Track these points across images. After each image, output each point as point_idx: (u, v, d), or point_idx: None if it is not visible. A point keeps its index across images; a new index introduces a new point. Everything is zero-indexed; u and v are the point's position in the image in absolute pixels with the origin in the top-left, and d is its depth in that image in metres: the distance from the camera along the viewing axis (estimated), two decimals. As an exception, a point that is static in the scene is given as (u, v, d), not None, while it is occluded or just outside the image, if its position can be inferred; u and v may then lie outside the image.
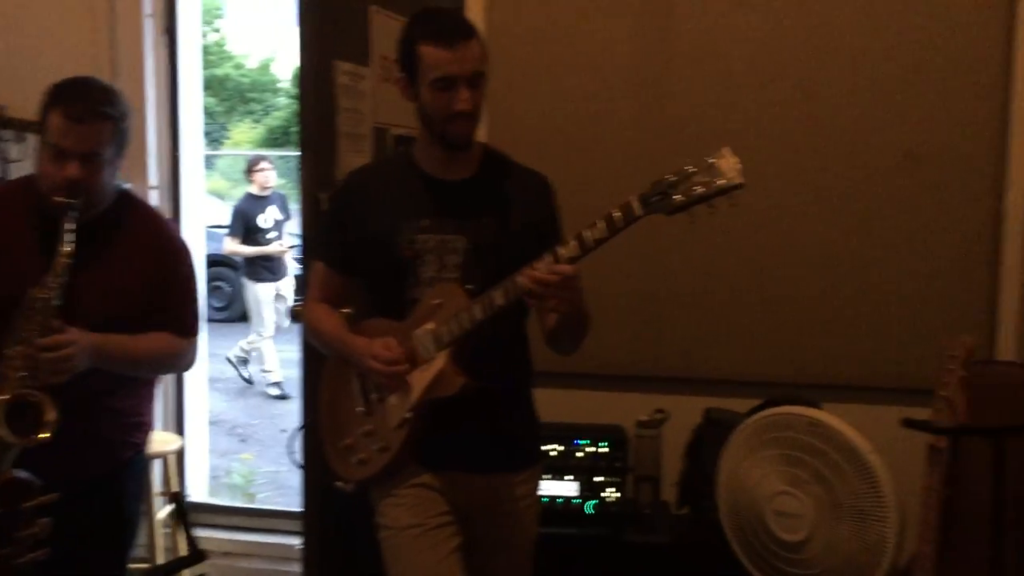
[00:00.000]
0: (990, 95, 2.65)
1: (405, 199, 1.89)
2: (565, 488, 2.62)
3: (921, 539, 1.86)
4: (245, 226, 6.32)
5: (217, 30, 16.28)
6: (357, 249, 1.92)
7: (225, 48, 16.74)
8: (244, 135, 16.39)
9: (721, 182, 1.58)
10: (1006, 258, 2.69)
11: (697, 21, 2.80)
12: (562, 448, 2.62)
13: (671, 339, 2.88)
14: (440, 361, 1.82)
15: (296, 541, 2.71)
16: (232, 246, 6.39)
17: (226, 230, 6.53)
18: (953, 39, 2.65)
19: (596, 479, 2.61)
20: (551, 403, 2.27)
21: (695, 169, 1.60)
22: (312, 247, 2.32)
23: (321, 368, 2.05)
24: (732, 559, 2.39)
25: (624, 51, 2.87)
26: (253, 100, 16.61)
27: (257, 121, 16.49)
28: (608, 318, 2.82)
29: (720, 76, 2.80)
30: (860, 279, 2.76)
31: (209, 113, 16.40)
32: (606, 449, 2.62)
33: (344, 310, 2.04)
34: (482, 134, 2.90)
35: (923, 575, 1.86)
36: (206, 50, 16.82)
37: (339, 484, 1.97)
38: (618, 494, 2.62)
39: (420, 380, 1.84)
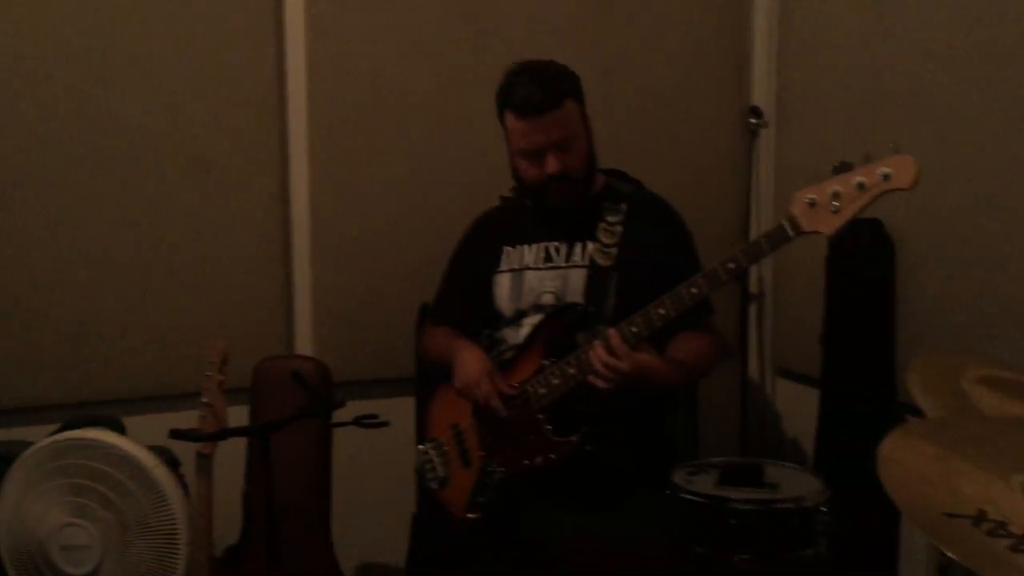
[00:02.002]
0: (267, 102, 2.77)
1: None
2: None
3: (195, 545, 1.86)
4: None
5: None
6: None
7: None
8: None
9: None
10: (297, 258, 2.86)
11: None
12: None
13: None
14: None
15: None
16: None
17: None
18: (228, 47, 2.71)
19: None
20: None
21: None
22: None
23: None
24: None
25: None
26: None
27: None
28: None
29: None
30: (157, 288, 2.69)
31: None
32: None
33: None
34: None
35: (199, 582, 1.87)
36: None
37: None
38: None
39: None
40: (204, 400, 1.90)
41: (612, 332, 1.92)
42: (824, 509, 2.23)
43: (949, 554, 1.16)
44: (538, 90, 2.05)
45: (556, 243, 2.19)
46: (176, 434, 1.87)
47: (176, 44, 2.67)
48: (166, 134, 2.68)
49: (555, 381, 2.04)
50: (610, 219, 2.16)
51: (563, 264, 2.17)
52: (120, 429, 2.41)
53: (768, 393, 3.24)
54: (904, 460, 1.29)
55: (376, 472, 2.87)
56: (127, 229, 2.66)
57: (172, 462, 2.35)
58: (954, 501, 1.21)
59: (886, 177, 1.70)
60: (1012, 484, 1.25)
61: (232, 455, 2.46)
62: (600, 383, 1.94)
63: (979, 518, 1.18)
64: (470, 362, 2.11)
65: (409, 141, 2.87)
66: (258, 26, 2.75)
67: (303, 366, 2.43)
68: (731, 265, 1.88)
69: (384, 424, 2.28)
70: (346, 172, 2.84)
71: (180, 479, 2.26)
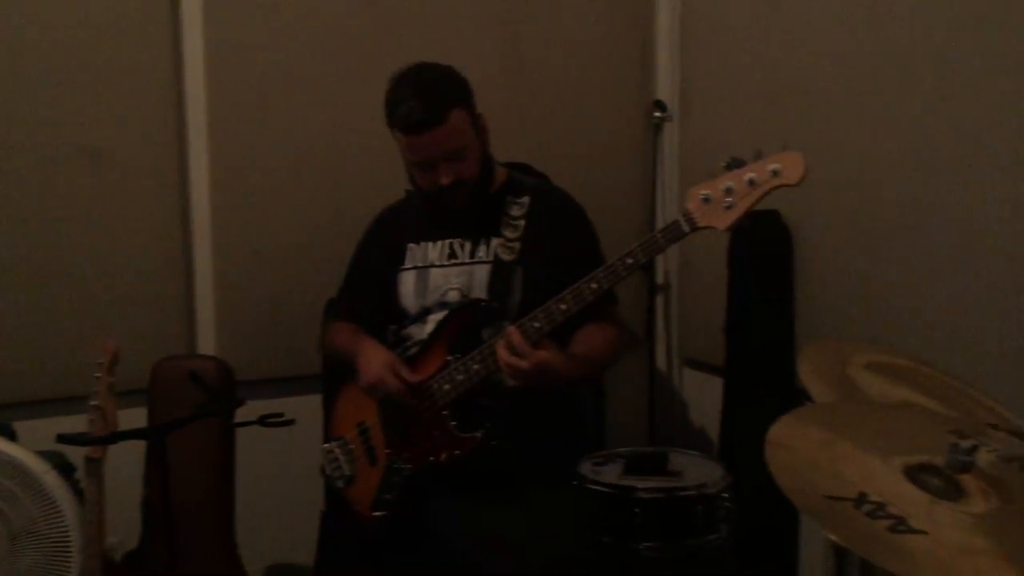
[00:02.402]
0: (164, 91, 2.69)
1: None
2: None
3: (87, 552, 1.80)
4: None
5: None
6: None
7: None
8: None
9: None
10: (197, 253, 2.79)
11: None
12: None
13: None
14: None
15: None
16: None
17: None
18: (122, 32, 2.62)
19: None
20: None
21: None
22: None
23: None
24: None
25: None
26: None
27: None
28: None
29: None
30: (48, 287, 2.59)
31: None
32: None
33: None
34: None
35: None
36: None
37: None
38: None
39: None
40: (93, 403, 1.84)
41: (512, 330, 1.92)
42: (726, 495, 2.28)
43: (832, 536, 1.19)
44: (420, 106, 1.99)
45: (460, 240, 2.18)
46: (64, 439, 1.81)
47: (66, 29, 2.58)
48: (55, 124, 2.58)
49: (460, 377, 2.03)
50: (513, 213, 2.16)
51: (468, 260, 2.16)
52: (10, 435, 2.33)
53: (675, 382, 3.30)
54: (791, 445, 1.32)
55: (284, 472, 2.82)
56: (14, 225, 2.56)
57: (65, 468, 2.28)
58: (837, 484, 1.24)
59: (775, 173, 1.74)
60: (891, 466, 1.29)
61: (134, 459, 2.39)
62: (509, 380, 1.95)
63: (860, 500, 1.21)
64: (375, 359, 2.09)
65: (312, 133, 2.82)
66: (153, 10, 2.66)
67: (201, 365, 2.37)
68: (629, 260, 1.89)
69: (290, 423, 2.24)
70: (248, 164, 2.78)
71: (75, 485, 2.19)
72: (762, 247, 2.62)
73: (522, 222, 2.15)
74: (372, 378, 2.06)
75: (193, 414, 1.90)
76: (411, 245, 2.21)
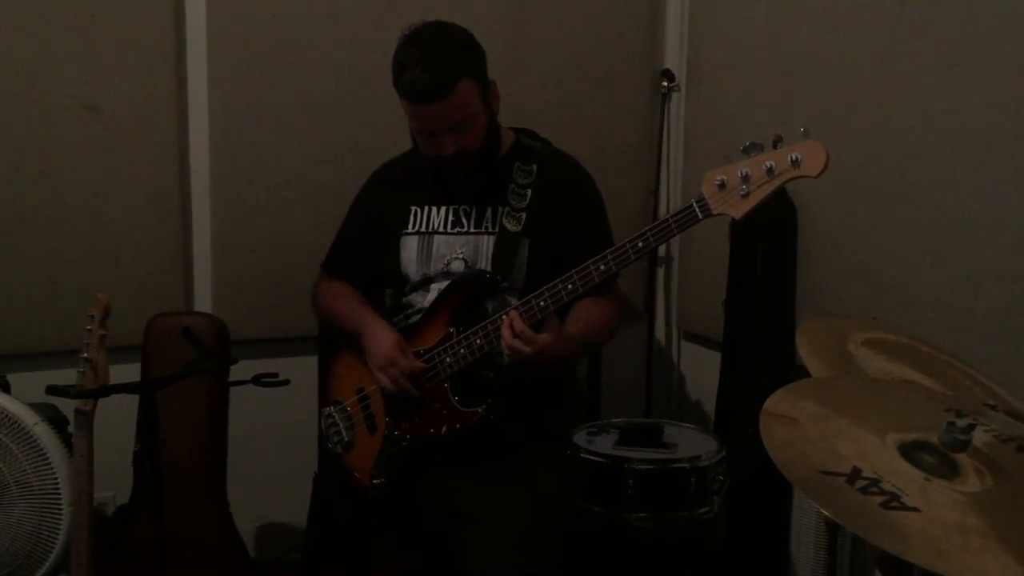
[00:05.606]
0: (164, 46, 2.66)
1: None
2: None
3: (77, 505, 1.79)
4: None
5: None
6: None
7: None
8: None
9: None
10: (195, 210, 2.77)
11: None
12: None
13: None
14: None
15: None
16: None
17: None
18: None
19: None
20: None
21: None
22: None
23: None
24: None
25: None
26: None
27: None
28: None
29: None
30: (46, 240, 2.58)
31: None
32: None
33: None
34: None
35: (78, 544, 1.80)
36: None
37: None
38: None
39: None
40: (84, 356, 1.82)
41: (514, 315, 1.88)
42: (719, 469, 2.28)
43: (824, 511, 1.18)
44: (426, 75, 1.89)
45: (465, 207, 2.12)
46: (53, 390, 1.79)
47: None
48: (55, 79, 2.56)
49: (462, 351, 2.00)
50: (520, 181, 2.11)
51: (473, 230, 2.11)
52: (4, 386, 2.32)
53: (673, 355, 3.28)
54: (787, 417, 1.30)
55: (278, 432, 2.82)
56: (12, 178, 2.54)
57: (59, 421, 2.27)
58: (831, 459, 1.23)
59: (795, 163, 1.67)
60: (887, 443, 1.28)
61: (130, 414, 2.38)
62: (507, 360, 1.92)
63: (853, 476, 1.19)
64: (384, 339, 2.04)
65: (314, 90, 2.79)
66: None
67: (196, 322, 2.35)
68: (640, 244, 1.85)
69: (285, 383, 2.21)
70: (248, 120, 2.75)
71: (67, 438, 2.18)
72: (766, 221, 2.59)
73: (529, 191, 2.10)
74: (382, 360, 2.02)
75: (184, 370, 1.88)
76: (414, 208, 2.16)
